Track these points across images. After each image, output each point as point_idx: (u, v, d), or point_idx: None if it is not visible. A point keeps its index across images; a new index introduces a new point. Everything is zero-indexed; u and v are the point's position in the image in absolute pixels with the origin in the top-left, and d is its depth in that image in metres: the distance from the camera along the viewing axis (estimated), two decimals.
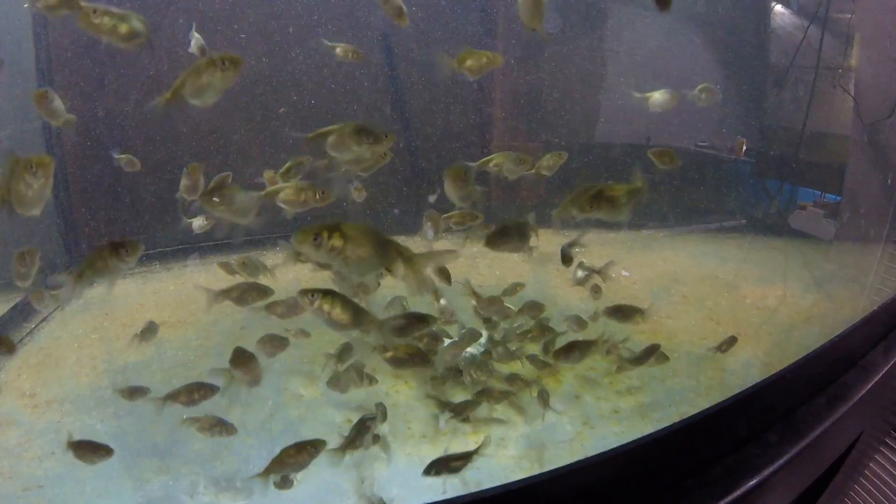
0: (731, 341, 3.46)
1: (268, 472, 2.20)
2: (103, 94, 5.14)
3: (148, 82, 5.12)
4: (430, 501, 1.25)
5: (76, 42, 4.94)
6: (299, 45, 5.66)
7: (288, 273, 5.03)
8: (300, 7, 5.66)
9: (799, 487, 2.01)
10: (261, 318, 2.76)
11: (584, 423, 2.96)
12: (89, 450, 2.30)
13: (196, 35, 3.47)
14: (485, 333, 3.47)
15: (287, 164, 2.94)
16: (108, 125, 5.20)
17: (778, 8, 6.49)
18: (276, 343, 2.78)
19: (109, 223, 5.31)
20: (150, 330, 3.43)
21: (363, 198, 3.46)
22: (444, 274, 3.16)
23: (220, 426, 2.51)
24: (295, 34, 5.67)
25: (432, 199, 5.00)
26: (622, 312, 3.13)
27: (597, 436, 2.84)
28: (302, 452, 2.19)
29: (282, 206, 2.52)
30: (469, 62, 2.59)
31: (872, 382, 2.14)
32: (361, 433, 2.42)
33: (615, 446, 1.42)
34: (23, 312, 4.41)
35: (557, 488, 1.37)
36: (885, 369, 2.24)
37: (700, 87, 4.00)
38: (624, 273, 4.95)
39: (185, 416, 2.56)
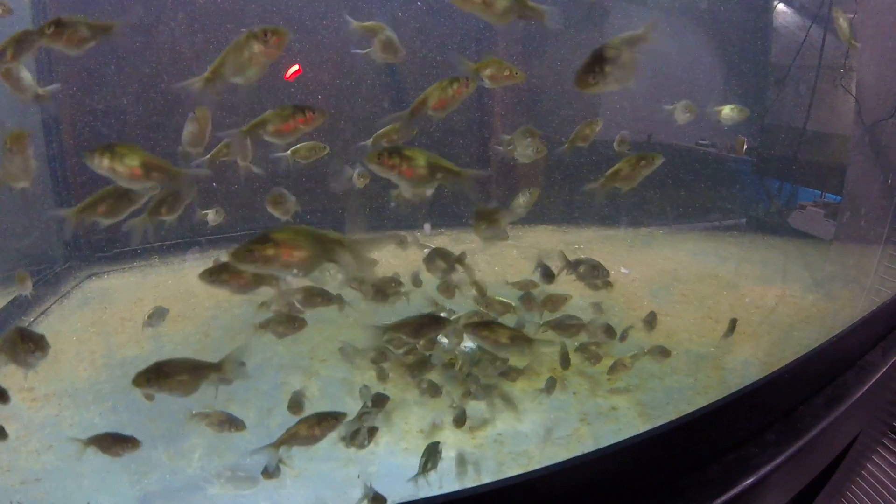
0: (733, 324, 3.53)
1: (280, 443, 2.17)
2: (104, 87, 5.12)
3: (149, 76, 5.10)
4: (425, 496, 1.24)
5: None
6: (299, 40, 5.64)
7: None
8: (299, 1, 5.64)
9: (796, 486, 2.02)
10: (258, 316, 2.76)
11: (582, 420, 2.96)
12: (113, 442, 2.23)
13: None
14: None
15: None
16: (109, 118, 5.18)
17: (780, 7, 6.47)
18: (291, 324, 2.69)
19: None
20: (159, 314, 3.47)
21: (365, 184, 3.35)
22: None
23: (229, 422, 2.49)
24: (294, 29, 5.65)
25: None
26: (562, 327, 3.05)
27: (594, 433, 2.83)
28: (322, 424, 2.19)
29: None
30: (489, 70, 2.54)
31: (871, 383, 2.14)
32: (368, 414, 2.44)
33: (612, 443, 1.42)
34: (21, 306, 4.40)
35: (554, 485, 1.37)
36: (884, 370, 2.24)
37: (730, 106, 4.03)
38: (623, 270, 4.95)
39: (193, 412, 2.54)
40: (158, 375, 1.96)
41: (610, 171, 2.53)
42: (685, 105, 3.62)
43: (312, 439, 2.20)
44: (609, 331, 3.13)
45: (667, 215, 6.54)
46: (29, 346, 1.89)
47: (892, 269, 4.02)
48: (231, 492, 2.51)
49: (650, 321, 3.47)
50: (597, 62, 1.68)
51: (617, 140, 3.80)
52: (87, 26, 1.91)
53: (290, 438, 2.19)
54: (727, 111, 4.05)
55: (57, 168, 5.08)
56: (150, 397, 2.79)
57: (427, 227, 3.32)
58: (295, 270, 1.46)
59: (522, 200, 3.40)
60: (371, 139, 2.97)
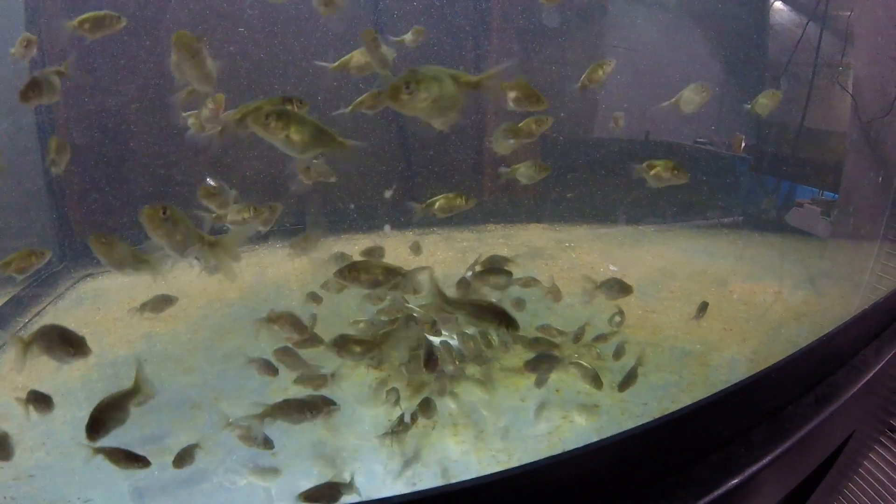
0: (704, 306, 3.60)
1: (264, 414, 2.35)
2: (97, 87, 5.12)
3: (142, 76, 5.10)
4: (403, 493, 1.24)
5: (70, 34, 4.91)
6: (290, 39, 5.63)
7: (279, 268, 5.05)
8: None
9: (787, 486, 2.00)
10: (250, 313, 2.76)
11: (564, 417, 2.92)
12: (124, 457, 2.28)
13: None
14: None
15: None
16: (102, 118, 5.19)
17: (777, 4, 6.45)
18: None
19: (104, 217, 5.30)
20: (166, 301, 3.52)
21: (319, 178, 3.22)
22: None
23: (260, 440, 2.51)
24: (284, 30, 5.64)
25: (388, 194, 5.00)
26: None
27: (576, 430, 2.79)
28: (302, 409, 2.35)
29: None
30: (514, 93, 2.57)
31: (864, 381, 2.13)
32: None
33: (595, 441, 1.41)
34: (18, 306, 4.41)
35: (535, 482, 1.36)
36: (877, 368, 2.23)
37: (764, 93, 3.99)
38: (612, 268, 4.94)
39: (230, 420, 2.58)
40: (100, 424, 2.08)
41: (657, 163, 2.78)
42: (694, 88, 3.32)
43: (297, 419, 2.36)
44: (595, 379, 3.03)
45: (662, 213, 6.53)
46: (68, 349, 1.98)
47: (889, 266, 4.00)
48: (262, 480, 2.52)
49: (619, 319, 3.51)
50: (408, 80, 1.62)
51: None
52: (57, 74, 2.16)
53: (275, 411, 2.35)
54: (762, 101, 3.97)
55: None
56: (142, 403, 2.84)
57: (387, 227, 3.31)
58: (169, 245, 1.83)
59: (531, 171, 3.28)
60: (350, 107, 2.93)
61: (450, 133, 6.31)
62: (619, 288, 3.23)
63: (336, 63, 2.59)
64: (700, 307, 3.58)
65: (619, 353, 3.25)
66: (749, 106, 4.07)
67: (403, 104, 1.64)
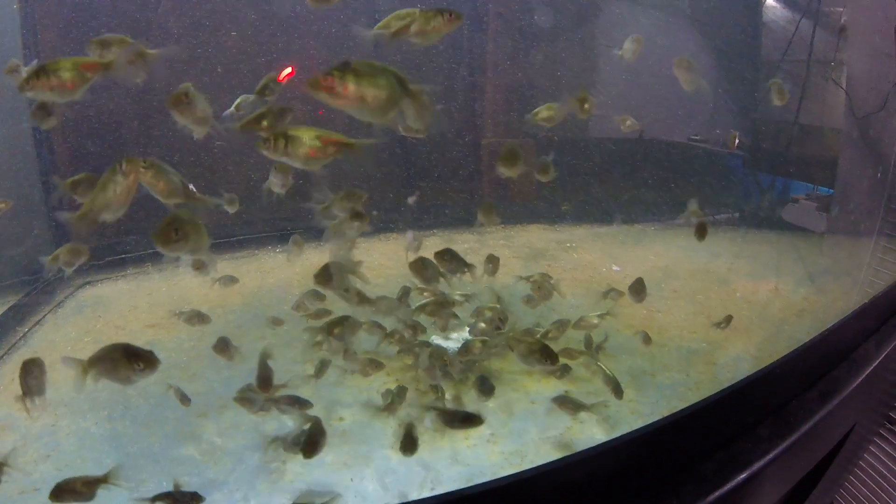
0: (728, 320, 3.69)
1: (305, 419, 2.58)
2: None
3: (139, 82, 5.08)
4: (417, 498, 1.25)
5: (65, 39, 4.90)
6: (289, 40, 5.63)
7: (280, 273, 5.05)
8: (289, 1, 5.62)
9: (791, 480, 2.03)
10: (253, 319, 2.76)
11: (573, 418, 2.93)
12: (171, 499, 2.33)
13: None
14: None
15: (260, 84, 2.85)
16: (99, 123, 5.16)
17: (770, 1, 6.50)
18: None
19: (101, 223, 5.27)
20: (198, 317, 3.58)
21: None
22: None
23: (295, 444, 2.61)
24: (283, 29, 5.64)
25: (411, 200, 5.00)
26: None
27: (586, 431, 2.82)
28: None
29: None
30: (588, 104, 3.10)
31: (864, 375, 2.15)
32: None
33: (605, 441, 1.43)
34: (17, 315, 4.38)
35: (547, 484, 1.37)
36: (877, 362, 2.25)
37: (773, 81, 4.50)
38: (615, 268, 4.97)
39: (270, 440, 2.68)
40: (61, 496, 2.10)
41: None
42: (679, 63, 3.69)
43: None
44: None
45: (659, 212, 6.56)
46: (137, 364, 1.89)
47: (886, 260, 4.04)
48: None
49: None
50: (341, 68, 1.46)
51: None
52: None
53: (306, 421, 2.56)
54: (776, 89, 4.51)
55: (47, 173, 5.05)
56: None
57: (410, 234, 3.37)
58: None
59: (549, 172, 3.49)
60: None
61: (450, 137, 6.32)
62: (637, 290, 3.47)
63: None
64: (725, 319, 3.67)
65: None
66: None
67: (329, 95, 1.45)
